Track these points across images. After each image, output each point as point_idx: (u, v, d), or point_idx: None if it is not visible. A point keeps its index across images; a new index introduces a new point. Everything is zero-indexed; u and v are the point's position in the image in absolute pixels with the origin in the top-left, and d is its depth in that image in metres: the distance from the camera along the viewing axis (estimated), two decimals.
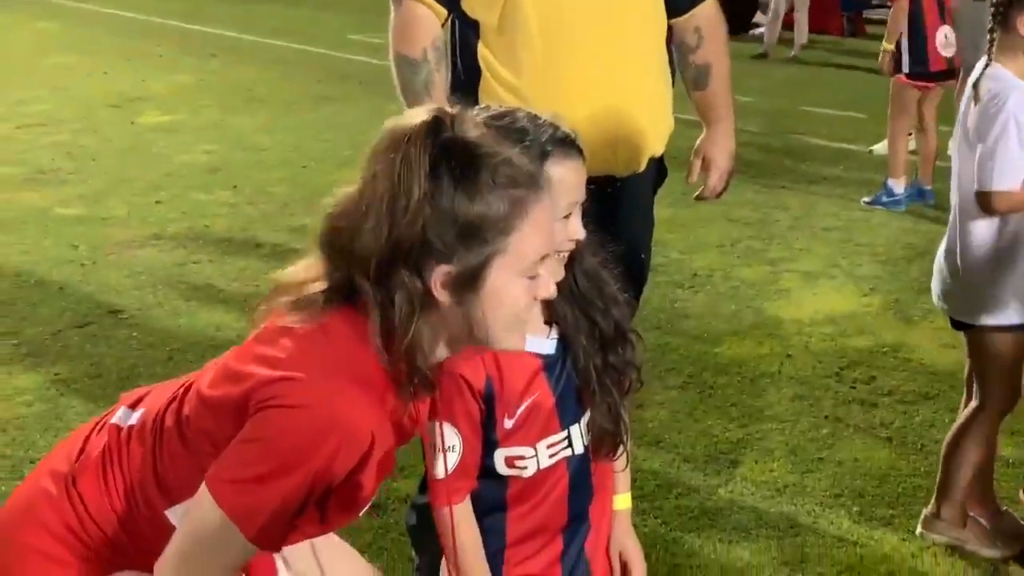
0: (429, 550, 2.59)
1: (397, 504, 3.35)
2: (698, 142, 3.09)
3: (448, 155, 1.57)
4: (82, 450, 1.78)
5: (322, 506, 1.67)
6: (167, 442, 1.71)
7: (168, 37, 13.81)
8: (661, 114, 2.89)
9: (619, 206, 2.81)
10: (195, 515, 1.62)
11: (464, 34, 2.85)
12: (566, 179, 1.85)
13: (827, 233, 6.23)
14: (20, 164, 7.71)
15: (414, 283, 1.58)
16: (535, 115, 1.89)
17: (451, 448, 1.94)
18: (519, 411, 1.94)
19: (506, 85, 2.77)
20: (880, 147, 8.05)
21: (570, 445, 1.99)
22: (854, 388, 4.26)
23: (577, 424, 1.99)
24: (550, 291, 1.68)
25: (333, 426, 1.57)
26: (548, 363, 1.96)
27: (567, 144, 1.87)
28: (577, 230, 1.88)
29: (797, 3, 13.08)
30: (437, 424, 1.91)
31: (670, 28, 2.96)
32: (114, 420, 1.80)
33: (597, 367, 1.97)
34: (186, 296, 5.20)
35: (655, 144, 2.89)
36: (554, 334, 1.97)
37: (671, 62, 3.01)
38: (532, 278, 1.63)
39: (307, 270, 1.70)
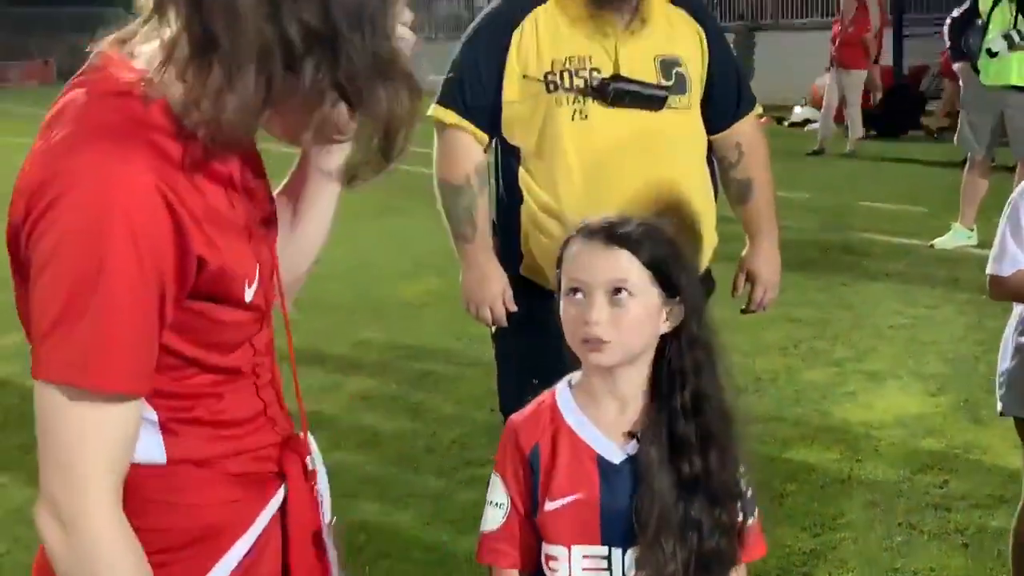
0: None
1: None
2: (743, 255, 3.12)
3: None
4: None
5: (190, 308, 1.38)
6: None
7: None
8: (703, 231, 2.91)
9: None
10: (38, 416, 1.32)
11: (505, 158, 2.93)
12: (575, 256, 1.90)
13: (892, 331, 6.18)
14: None
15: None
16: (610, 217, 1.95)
17: (498, 504, 1.94)
18: (563, 501, 1.88)
19: (546, 209, 2.83)
20: (941, 241, 8.00)
21: (609, 568, 1.90)
22: (927, 493, 4.18)
23: (623, 551, 1.89)
24: None
25: (107, 194, 1.26)
26: (606, 468, 1.89)
27: (589, 231, 1.91)
28: (588, 314, 1.85)
29: (849, 98, 13.15)
30: (493, 475, 1.93)
31: (710, 143, 3.00)
32: None
33: (665, 512, 1.85)
34: None
35: (697, 261, 2.91)
36: (630, 449, 1.89)
37: (713, 176, 3.05)
38: None
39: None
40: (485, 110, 2.87)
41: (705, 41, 2.91)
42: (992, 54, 7.76)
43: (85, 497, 1.32)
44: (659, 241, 1.90)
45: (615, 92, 2.75)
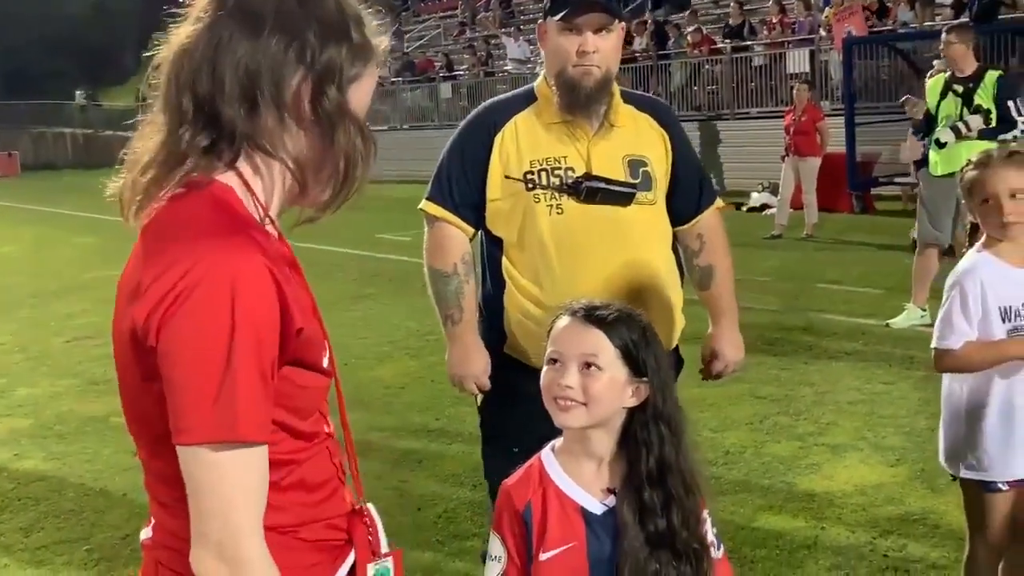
0: None
1: None
2: (707, 335, 3.40)
3: None
4: None
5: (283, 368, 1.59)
6: None
7: None
8: (671, 314, 3.20)
9: None
10: (191, 477, 1.52)
11: (490, 249, 3.22)
12: (558, 331, 2.20)
13: (851, 407, 6.46)
14: (75, 376, 8.08)
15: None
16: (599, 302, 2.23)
17: (496, 558, 2.19)
18: (555, 551, 2.12)
19: (528, 295, 3.12)
20: (896, 321, 8.34)
21: None
22: (887, 556, 4.43)
23: None
24: None
25: (232, 284, 1.49)
26: (590, 518, 2.15)
27: (572, 311, 2.20)
28: (564, 378, 2.14)
29: (805, 186, 13.60)
30: (491, 533, 2.17)
31: (675, 234, 3.30)
32: None
33: (637, 565, 2.11)
34: None
35: (666, 342, 3.20)
36: (609, 501, 2.15)
37: (678, 263, 3.33)
38: None
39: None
40: (470, 205, 3.17)
41: (669, 144, 3.22)
42: (941, 145, 8.16)
43: (243, 536, 1.53)
44: (632, 326, 2.19)
45: (587, 190, 3.05)
